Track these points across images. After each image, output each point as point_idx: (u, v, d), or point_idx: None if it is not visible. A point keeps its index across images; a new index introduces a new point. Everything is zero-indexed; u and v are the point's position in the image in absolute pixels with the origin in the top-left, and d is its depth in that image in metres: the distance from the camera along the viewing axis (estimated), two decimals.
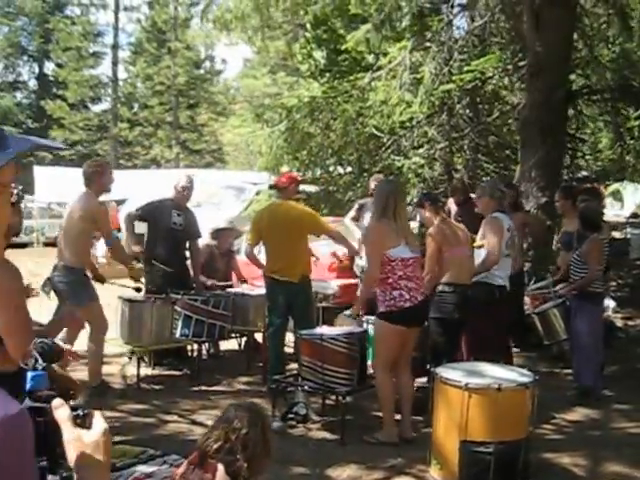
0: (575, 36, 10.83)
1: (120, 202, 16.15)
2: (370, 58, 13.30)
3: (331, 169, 12.87)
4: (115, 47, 36.48)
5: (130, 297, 6.38)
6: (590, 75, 11.39)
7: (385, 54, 11.49)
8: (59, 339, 3.93)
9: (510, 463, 4.00)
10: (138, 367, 6.24)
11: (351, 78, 11.61)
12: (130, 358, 7.07)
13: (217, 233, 7.80)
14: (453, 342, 5.42)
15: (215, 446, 3.06)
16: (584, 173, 13.50)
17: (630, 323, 9.27)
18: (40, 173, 16.57)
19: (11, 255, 7.13)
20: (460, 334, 5.58)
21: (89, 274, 6.04)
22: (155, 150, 34.46)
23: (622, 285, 11.52)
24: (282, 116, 11.60)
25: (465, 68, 10.46)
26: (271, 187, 6.48)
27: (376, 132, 11.13)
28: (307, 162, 12.56)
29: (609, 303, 9.94)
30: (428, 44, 11.02)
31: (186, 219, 7.06)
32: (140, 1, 39.68)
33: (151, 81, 35.61)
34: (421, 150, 11.86)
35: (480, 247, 5.79)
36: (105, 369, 6.70)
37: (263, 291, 6.30)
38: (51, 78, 39.79)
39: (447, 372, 4.22)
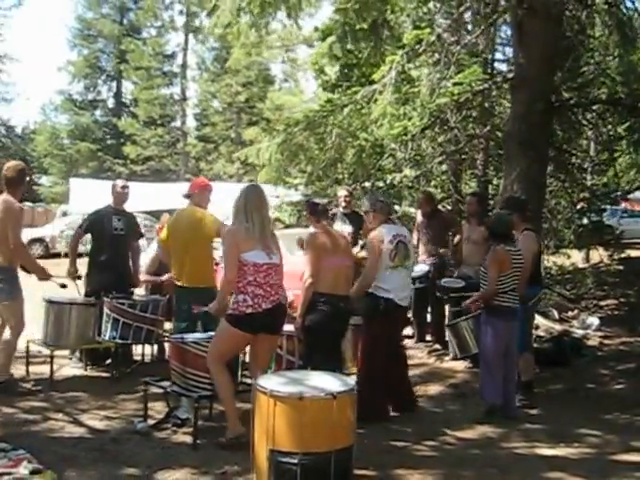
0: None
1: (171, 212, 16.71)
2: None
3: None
4: (184, 67, 37.53)
5: (51, 298, 6.49)
6: (600, 87, 10.94)
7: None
8: None
9: (318, 476, 3.81)
10: (51, 366, 6.30)
11: (348, 92, 11.51)
12: (70, 358, 7.21)
13: None
14: (324, 352, 5.20)
15: None
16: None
17: (606, 342, 8.72)
18: (76, 185, 17.13)
19: (52, 265, 7.26)
20: (334, 345, 5.37)
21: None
22: (218, 165, 35.16)
23: (623, 304, 10.88)
24: (281, 130, 11.62)
25: (451, 81, 10.20)
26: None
27: (365, 144, 11.01)
28: (313, 176, 12.59)
29: (593, 321, 9.45)
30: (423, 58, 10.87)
31: (126, 222, 7.19)
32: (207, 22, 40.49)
33: (215, 99, 36.45)
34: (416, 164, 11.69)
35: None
36: (41, 368, 6.83)
37: None
38: (127, 96, 41.40)
39: (263, 379, 4.08)
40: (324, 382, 4.08)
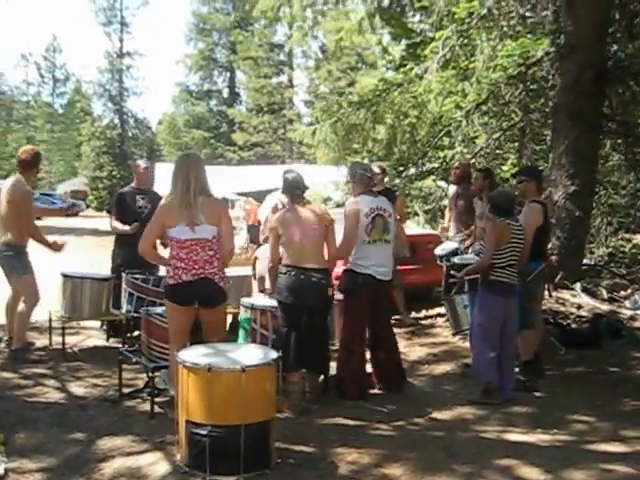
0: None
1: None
2: None
3: None
4: (290, 55, 37.75)
5: (67, 273, 6.66)
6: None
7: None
8: None
9: (228, 448, 3.64)
10: (63, 337, 6.46)
11: (403, 70, 11.08)
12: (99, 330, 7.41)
13: None
14: (292, 325, 4.98)
15: None
16: None
17: None
18: (160, 169, 17.67)
19: None
20: (310, 319, 5.08)
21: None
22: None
23: None
24: (334, 110, 11.38)
25: (500, 53, 9.56)
26: None
27: (417, 122, 10.58)
28: (374, 156, 12.30)
29: None
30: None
31: (150, 200, 7.23)
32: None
33: (320, 85, 36.45)
34: (478, 141, 11.12)
35: None
36: (68, 339, 7.01)
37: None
38: (240, 86, 42.30)
39: (186, 350, 3.96)
40: (245, 355, 3.91)
